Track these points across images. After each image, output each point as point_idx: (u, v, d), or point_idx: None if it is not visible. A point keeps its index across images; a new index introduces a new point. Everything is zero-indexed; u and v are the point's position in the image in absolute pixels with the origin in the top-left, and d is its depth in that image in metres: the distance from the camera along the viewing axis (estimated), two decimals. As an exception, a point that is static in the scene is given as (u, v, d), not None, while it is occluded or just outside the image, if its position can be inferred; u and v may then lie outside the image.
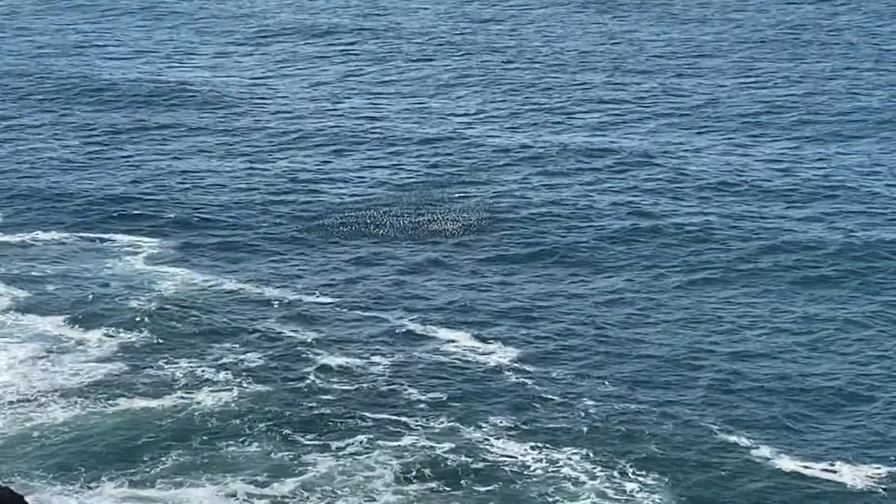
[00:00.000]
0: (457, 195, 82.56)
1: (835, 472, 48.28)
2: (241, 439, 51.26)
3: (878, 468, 48.34)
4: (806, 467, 48.51)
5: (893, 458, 49.01)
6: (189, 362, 58.46)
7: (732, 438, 50.70)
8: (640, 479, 47.58)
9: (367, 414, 53.10)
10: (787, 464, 48.87)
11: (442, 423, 52.40)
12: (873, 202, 79.69)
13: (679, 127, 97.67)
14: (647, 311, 65.78)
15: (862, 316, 64.54)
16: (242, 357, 59.59)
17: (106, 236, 77.34)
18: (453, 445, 50.15)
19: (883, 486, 46.72)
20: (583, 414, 53.60)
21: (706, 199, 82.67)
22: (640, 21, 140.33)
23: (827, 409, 54.91)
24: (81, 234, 77.12)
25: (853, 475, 47.90)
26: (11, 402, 53.70)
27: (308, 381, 56.61)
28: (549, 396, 55.21)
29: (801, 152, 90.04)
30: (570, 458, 48.77)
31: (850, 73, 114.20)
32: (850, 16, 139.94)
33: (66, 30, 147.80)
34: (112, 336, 61.46)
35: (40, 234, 76.44)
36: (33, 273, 70.15)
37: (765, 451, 49.68)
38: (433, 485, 47.60)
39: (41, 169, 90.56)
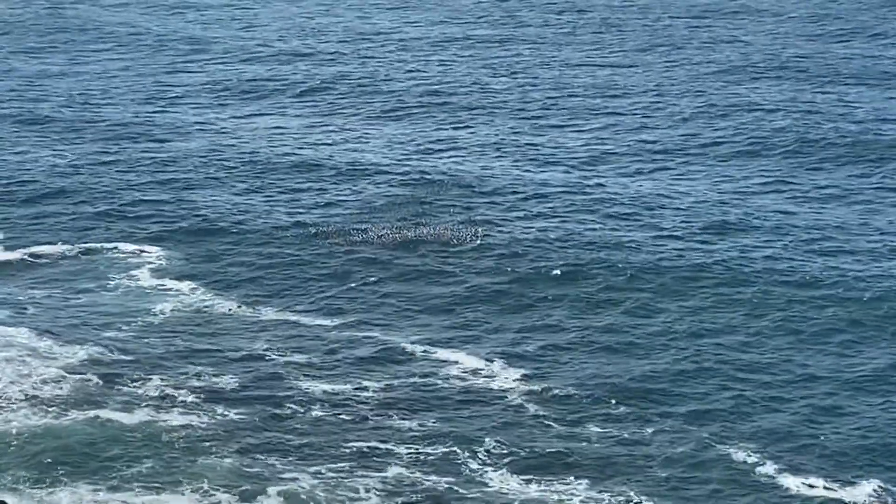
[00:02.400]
0: (445, 214, 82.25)
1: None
2: (212, 460, 49.88)
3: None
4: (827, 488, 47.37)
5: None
6: (167, 380, 57.50)
7: (743, 458, 49.63)
8: None
9: (353, 443, 51.63)
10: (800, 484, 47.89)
11: (434, 450, 50.65)
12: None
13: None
14: (651, 331, 64.22)
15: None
16: (220, 378, 58.31)
17: (104, 245, 76.86)
18: (446, 475, 48.36)
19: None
20: (585, 439, 52.00)
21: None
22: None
23: (845, 427, 53.63)
24: (87, 246, 76.38)
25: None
26: None
27: (288, 407, 55.40)
28: (549, 422, 53.67)
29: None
30: (573, 488, 47.15)
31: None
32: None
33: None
34: (92, 350, 60.32)
35: (40, 251, 75.68)
36: (32, 289, 69.52)
37: (781, 472, 48.43)
38: None
39: (45, 179, 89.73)
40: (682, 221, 79.87)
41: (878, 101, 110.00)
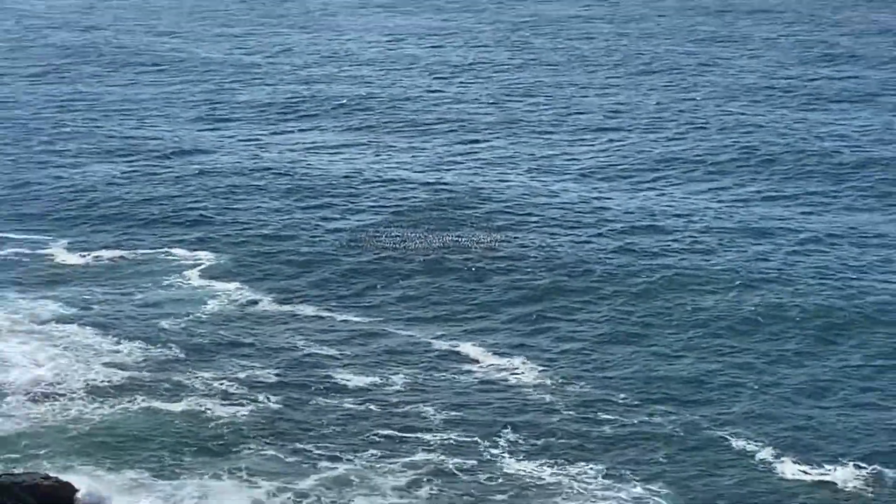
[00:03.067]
0: (465, 222, 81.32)
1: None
2: (254, 447, 49.87)
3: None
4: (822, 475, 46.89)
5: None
6: (213, 373, 57.03)
7: (747, 447, 49.05)
8: (654, 493, 45.82)
9: (382, 430, 51.38)
10: (798, 471, 47.36)
11: (457, 437, 50.68)
12: None
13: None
14: (660, 327, 63.57)
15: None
16: (263, 373, 57.79)
17: (160, 251, 75.71)
18: (469, 460, 48.61)
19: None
20: (598, 428, 51.76)
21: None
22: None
23: (839, 414, 53.38)
24: (143, 251, 75.52)
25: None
26: (44, 395, 53.32)
27: (325, 398, 54.95)
28: (566, 411, 53.41)
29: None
30: (584, 473, 46.99)
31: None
32: None
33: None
34: (147, 344, 60.15)
35: (103, 254, 74.71)
36: (92, 288, 68.47)
37: (781, 460, 47.89)
38: (445, 493, 46.00)
39: (104, 189, 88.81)
40: (681, 227, 79.38)
41: (860, 120, 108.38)
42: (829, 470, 47.39)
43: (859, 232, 77.45)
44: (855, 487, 46.42)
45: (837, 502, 45.84)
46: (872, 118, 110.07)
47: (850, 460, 48.44)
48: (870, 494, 45.94)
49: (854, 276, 69.18)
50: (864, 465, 47.72)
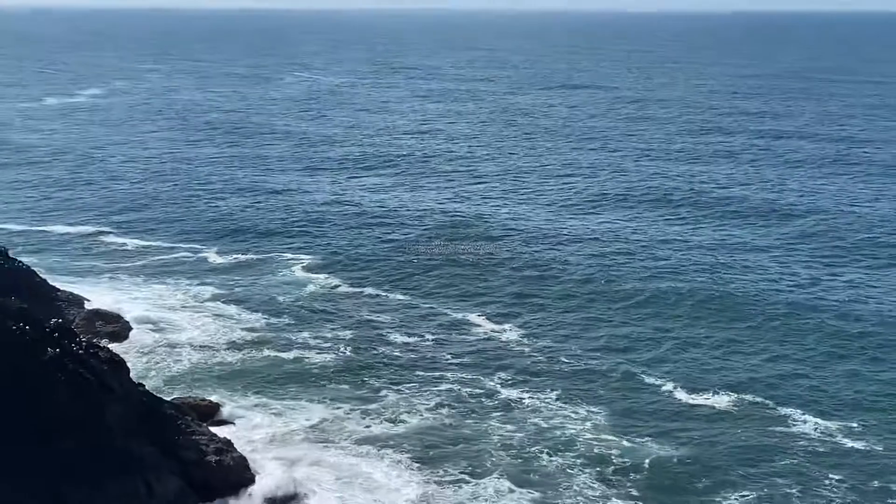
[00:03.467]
0: (475, 237, 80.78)
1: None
2: (337, 382, 51.14)
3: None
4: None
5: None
6: (312, 334, 57.70)
7: (655, 381, 49.95)
8: (592, 410, 47.16)
9: (419, 371, 52.34)
10: (688, 397, 48.31)
11: (467, 375, 51.70)
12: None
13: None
14: (601, 302, 63.85)
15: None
16: (342, 332, 58.32)
17: (276, 254, 75.65)
18: (474, 389, 49.71)
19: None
20: (558, 369, 52.79)
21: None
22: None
23: (713, 357, 54.03)
24: (265, 255, 75.25)
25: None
26: (201, 347, 54.67)
27: (382, 349, 55.80)
28: (537, 358, 54.34)
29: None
30: (548, 397, 48.38)
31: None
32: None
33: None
34: (263, 315, 60.72)
35: (240, 257, 74.90)
36: (233, 278, 68.99)
37: (677, 390, 48.84)
38: (458, 410, 47.38)
39: (239, 215, 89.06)
40: (612, 239, 79.41)
41: (726, 170, 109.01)
42: (709, 397, 48.07)
43: (727, 241, 77.77)
44: (726, 406, 47.01)
45: (712, 416, 46.33)
46: (734, 169, 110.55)
47: (721, 389, 49.09)
48: (734, 410, 46.67)
49: (723, 269, 69.36)
50: (730, 392, 48.37)
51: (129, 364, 41.80)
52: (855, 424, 44.50)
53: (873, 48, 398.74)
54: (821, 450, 42.27)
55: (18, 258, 58.24)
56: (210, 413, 44.73)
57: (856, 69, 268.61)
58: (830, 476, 39.51)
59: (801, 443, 43.01)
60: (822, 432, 43.93)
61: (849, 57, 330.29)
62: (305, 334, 56.81)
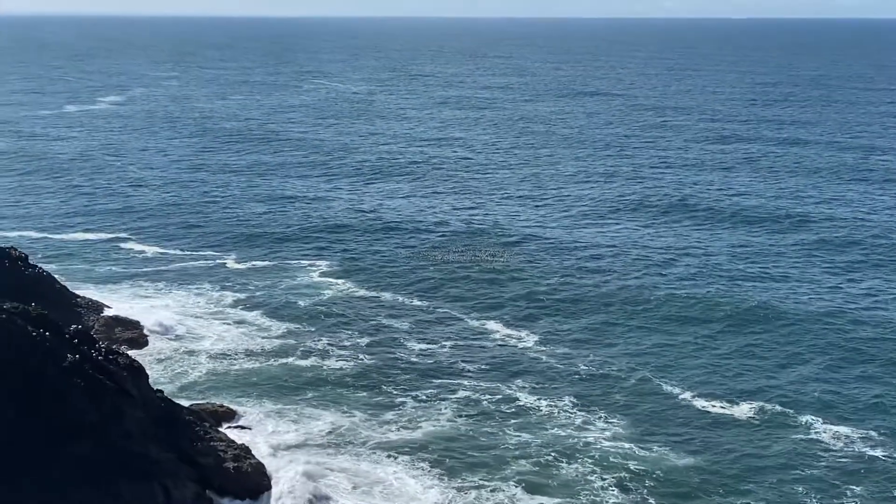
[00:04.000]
0: (487, 243, 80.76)
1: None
2: (354, 388, 51.00)
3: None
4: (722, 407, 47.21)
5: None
6: (330, 341, 57.59)
7: (673, 389, 49.31)
8: (607, 416, 47.09)
9: (436, 378, 52.17)
10: (705, 404, 47.68)
11: (483, 383, 51.49)
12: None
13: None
14: (618, 311, 63.02)
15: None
16: (359, 339, 58.30)
17: (294, 260, 75.85)
18: (491, 396, 49.55)
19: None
20: (574, 376, 52.47)
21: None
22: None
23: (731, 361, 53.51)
24: (283, 262, 75.33)
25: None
26: (219, 353, 54.67)
27: (399, 355, 55.75)
28: (553, 364, 54.09)
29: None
30: (566, 403, 48.19)
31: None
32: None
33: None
34: (282, 321, 60.70)
35: (257, 263, 75.02)
36: (252, 283, 69.10)
37: (694, 398, 48.34)
38: (475, 417, 47.23)
39: (256, 222, 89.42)
40: (627, 242, 79.83)
41: (741, 178, 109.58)
42: (725, 405, 47.73)
43: (744, 248, 77.18)
44: (744, 414, 46.64)
45: (730, 423, 45.80)
46: (752, 175, 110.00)
47: (739, 396, 48.66)
48: (752, 418, 46.26)
49: (740, 277, 68.63)
50: (749, 400, 48.03)
51: (147, 370, 41.93)
52: (874, 432, 43.97)
53: (889, 55, 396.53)
54: (840, 458, 41.78)
55: (39, 264, 58.36)
56: (228, 419, 44.83)
57: (872, 76, 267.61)
58: (851, 485, 39.01)
59: (820, 450, 42.43)
60: (841, 440, 43.42)
61: (864, 63, 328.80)
62: (324, 340, 56.84)
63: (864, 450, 42.40)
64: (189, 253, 77.43)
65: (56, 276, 58.97)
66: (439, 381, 51.01)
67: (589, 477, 40.14)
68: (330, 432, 44.30)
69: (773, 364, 53.49)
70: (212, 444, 39.97)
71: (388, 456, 42.17)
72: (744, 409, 47.54)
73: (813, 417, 45.65)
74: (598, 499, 38.46)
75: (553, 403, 47.81)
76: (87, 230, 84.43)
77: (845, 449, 42.95)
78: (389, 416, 46.55)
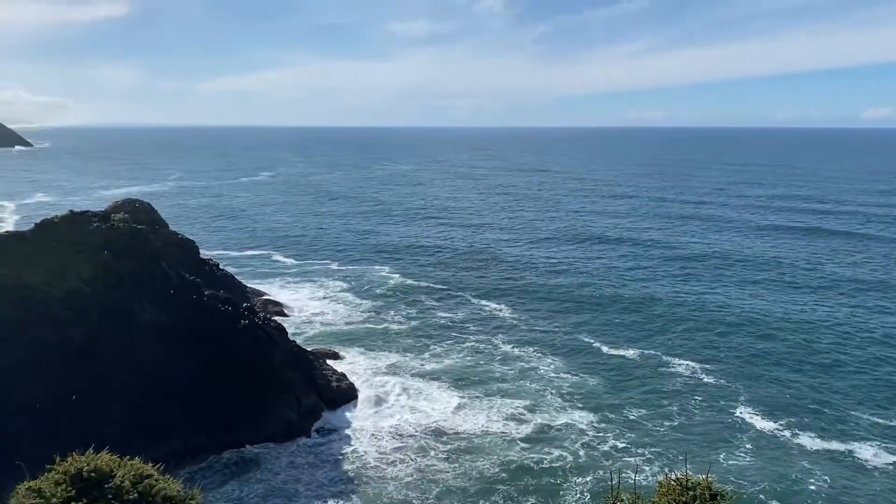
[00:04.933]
0: (485, 258, 78.30)
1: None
2: (405, 339, 49.78)
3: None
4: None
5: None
6: (393, 312, 56.43)
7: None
8: (553, 358, 45.40)
9: (454, 334, 50.63)
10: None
11: (481, 337, 50.25)
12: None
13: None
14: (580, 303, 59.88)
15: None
16: (409, 310, 57.03)
17: (371, 266, 74.64)
18: (486, 346, 48.32)
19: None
20: (535, 334, 51.06)
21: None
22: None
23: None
24: (364, 266, 74.15)
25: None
26: (328, 320, 53.85)
27: (432, 320, 54.35)
28: (523, 327, 52.57)
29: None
30: (527, 350, 46.94)
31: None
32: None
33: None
34: (364, 301, 59.50)
35: (350, 267, 73.81)
36: (347, 280, 67.52)
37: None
38: (476, 357, 46.00)
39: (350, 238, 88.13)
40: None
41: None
42: (621, 350, 45.95)
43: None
44: (632, 357, 44.75)
45: (623, 362, 43.92)
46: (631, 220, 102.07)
47: (629, 347, 46.67)
48: (639, 361, 44.17)
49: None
50: (636, 349, 45.82)
51: (287, 329, 42.48)
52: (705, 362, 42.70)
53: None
54: (682, 381, 40.28)
55: (225, 268, 59.37)
56: (333, 357, 45.16)
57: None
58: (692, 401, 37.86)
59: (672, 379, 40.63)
60: (685, 368, 42.20)
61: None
62: (389, 311, 56.52)
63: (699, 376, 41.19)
64: (310, 262, 77.12)
65: (235, 276, 59.58)
66: (455, 335, 50.73)
67: (542, 391, 40.45)
68: (391, 365, 44.52)
69: (653, 330, 51.34)
70: (323, 371, 40.64)
71: (424, 377, 42.53)
72: (630, 353, 46.39)
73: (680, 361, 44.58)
74: (548, 401, 38.72)
75: (522, 350, 47.54)
76: (251, 249, 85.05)
77: (685, 374, 42.15)
78: (425, 355, 46.56)
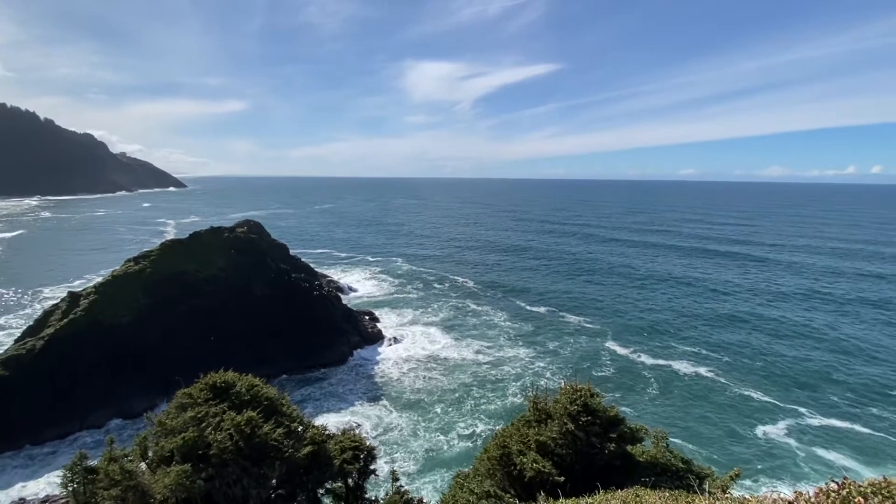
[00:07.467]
0: (476, 263, 68.97)
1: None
2: (417, 303, 47.34)
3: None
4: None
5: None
6: (407, 287, 53.86)
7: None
8: (505, 314, 42.95)
9: (451, 301, 47.55)
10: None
11: (461, 302, 47.68)
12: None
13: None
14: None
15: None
16: (419, 285, 54.24)
17: (395, 258, 71.12)
18: (465, 307, 46.27)
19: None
20: (503, 304, 48.20)
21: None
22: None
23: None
24: (389, 258, 70.68)
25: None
26: (370, 293, 51.55)
27: (433, 292, 51.76)
28: (499, 301, 49.43)
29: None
30: (500, 316, 44.13)
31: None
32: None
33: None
34: (388, 279, 57.15)
35: (380, 258, 70.21)
36: (380, 266, 63.47)
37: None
38: (459, 313, 43.91)
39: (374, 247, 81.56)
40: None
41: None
42: (577, 317, 41.81)
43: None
44: (574, 323, 40.96)
45: (573, 330, 39.57)
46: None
47: (579, 315, 43.12)
48: (578, 331, 39.27)
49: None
50: (583, 315, 41.36)
51: (343, 298, 42.05)
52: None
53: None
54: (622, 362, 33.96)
55: (303, 259, 56.32)
56: (369, 315, 44.19)
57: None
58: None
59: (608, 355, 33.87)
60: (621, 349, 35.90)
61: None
62: (408, 286, 55.07)
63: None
64: (355, 255, 75.63)
65: (310, 264, 55.87)
66: (444, 299, 49.33)
67: (497, 336, 38.84)
68: (408, 320, 44.07)
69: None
70: (364, 324, 40.72)
71: (428, 325, 42.15)
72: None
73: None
74: (500, 342, 37.19)
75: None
76: (320, 248, 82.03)
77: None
78: (430, 310, 45.60)
